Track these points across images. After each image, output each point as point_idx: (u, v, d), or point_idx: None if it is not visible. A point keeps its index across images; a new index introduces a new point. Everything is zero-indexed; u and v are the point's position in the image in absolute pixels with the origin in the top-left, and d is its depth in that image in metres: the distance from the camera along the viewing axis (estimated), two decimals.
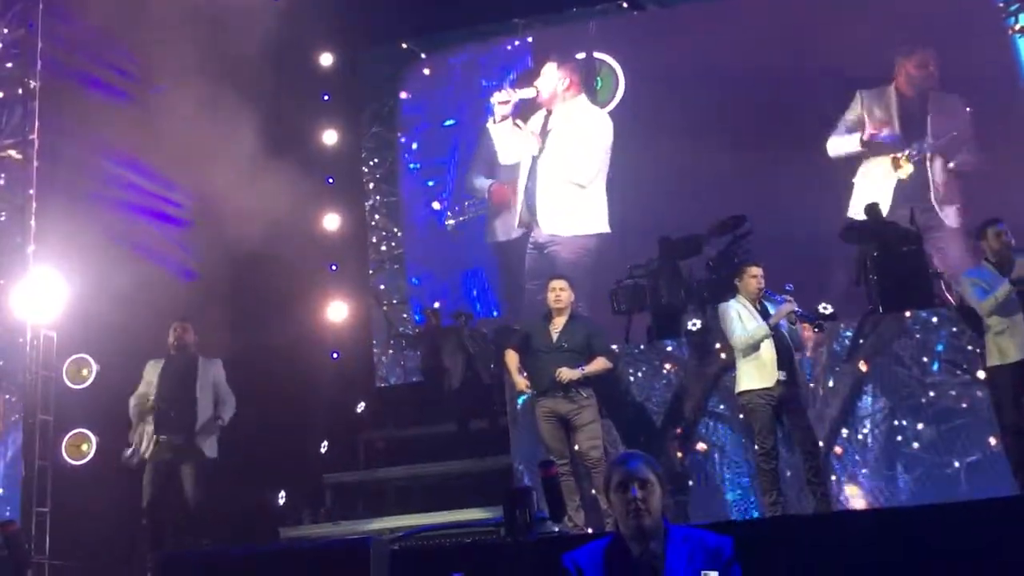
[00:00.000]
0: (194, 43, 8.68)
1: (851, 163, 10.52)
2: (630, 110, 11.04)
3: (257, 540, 7.36)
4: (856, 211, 9.73)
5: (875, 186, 10.24)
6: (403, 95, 12.37)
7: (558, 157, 10.69)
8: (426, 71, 12.31)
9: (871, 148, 10.54)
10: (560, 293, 6.55)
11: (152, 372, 6.78)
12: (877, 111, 10.55)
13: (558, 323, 6.53)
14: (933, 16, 10.36)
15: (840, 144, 10.58)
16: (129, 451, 6.56)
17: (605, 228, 10.49)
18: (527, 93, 10.69)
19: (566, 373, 6.30)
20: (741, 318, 6.28)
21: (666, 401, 7.39)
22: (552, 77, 10.99)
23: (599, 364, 6.44)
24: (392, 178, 12.25)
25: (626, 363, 7.52)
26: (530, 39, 11.84)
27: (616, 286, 8.40)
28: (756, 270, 6.39)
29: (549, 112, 10.66)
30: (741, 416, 6.45)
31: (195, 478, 6.51)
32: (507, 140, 10.94)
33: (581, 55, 11.29)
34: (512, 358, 6.62)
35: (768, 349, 6.17)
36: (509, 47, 11.93)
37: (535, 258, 10.76)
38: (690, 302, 8.24)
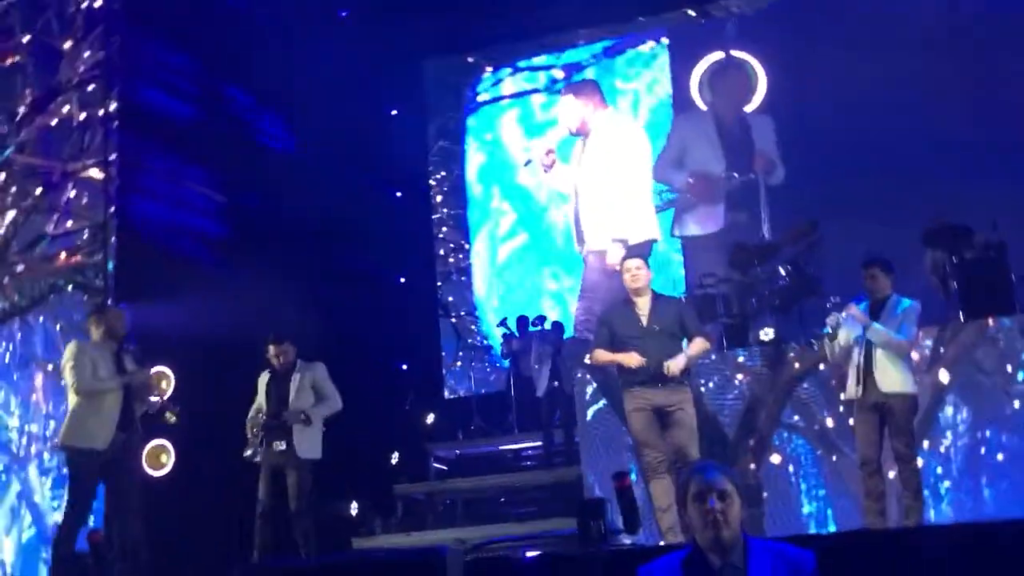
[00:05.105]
0: (266, 59, 8.89)
1: None
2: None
3: (330, 550, 7.44)
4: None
5: None
6: (471, 107, 12.44)
7: (593, 176, 10.67)
8: (493, 84, 12.37)
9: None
10: (637, 272, 6.00)
11: (262, 384, 6.92)
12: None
13: (643, 304, 6.00)
14: None
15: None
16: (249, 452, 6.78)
17: (653, 235, 10.36)
18: (561, 133, 10.72)
19: (675, 365, 5.76)
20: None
21: (739, 412, 7.26)
22: (574, 108, 10.93)
23: (700, 346, 5.97)
24: (458, 191, 12.33)
25: (698, 373, 7.42)
26: (598, 48, 11.82)
27: (687, 295, 8.32)
28: (864, 271, 6.17)
29: (585, 136, 10.56)
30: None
31: (297, 484, 6.61)
32: (561, 180, 10.96)
33: (720, 55, 11.19)
34: (604, 353, 6.04)
35: (855, 358, 6.03)
36: (593, 56, 11.91)
37: (591, 272, 10.74)
38: (761, 311, 8.12)
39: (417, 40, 11.14)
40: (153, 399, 6.52)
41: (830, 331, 6.05)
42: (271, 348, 6.85)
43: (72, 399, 6.33)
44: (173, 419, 6.53)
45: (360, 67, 10.26)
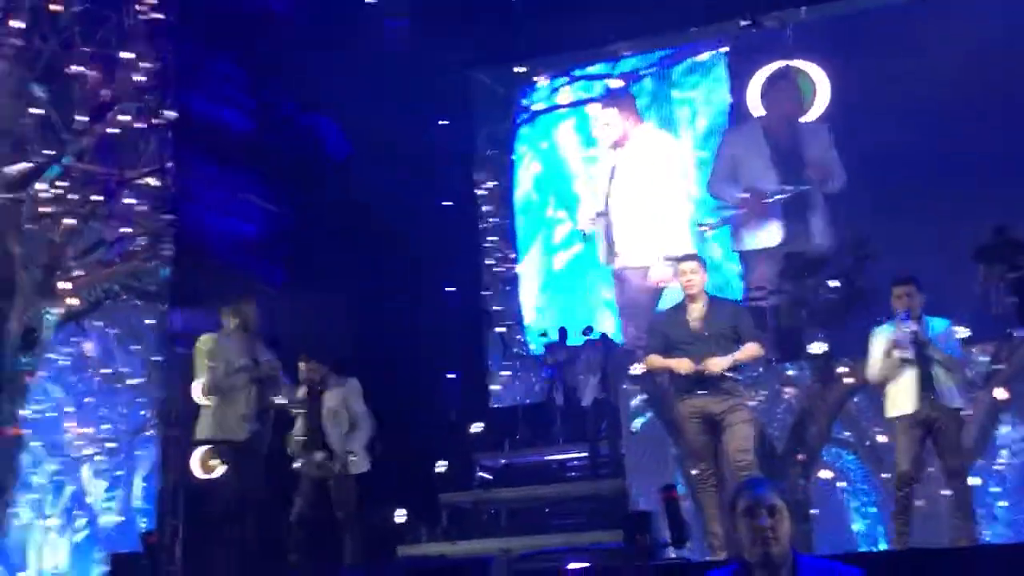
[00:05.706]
0: (318, 70, 9.01)
1: None
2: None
3: (376, 558, 7.48)
4: None
5: None
6: (526, 116, 12.47)
7: (630, 191, 10.66)
8: (549, 93, 12.39)
9: None
10: (692, 276, 5.75)
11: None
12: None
13: (696, 309, 5.76)
14: None
15: None
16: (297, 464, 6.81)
17: (688, 249, 10.15)
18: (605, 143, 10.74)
19: (715, 363, 5.55)
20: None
21: (787, 427, 7.20)
22: (615, 120, 10.86)
23: (750, 350, 5.68)
24: (507, 201, 12.35)
25: (745, 387, 7.34)
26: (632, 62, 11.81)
27: None
28: (897, 289, 6.03)
29: (620, 147, 10.51)
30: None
31: (342, 493, 6.65)
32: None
33: (777, 64, 11.14)
34: (657, 358, 5.85)
35: (909, 373, 5.93)
36: (652, 67, 11.89)
37: (622, 289, 10.70)
38: (812, 324, 8.04)
39: (467, 50, 11.20)
40: (282, 392, 6.53)
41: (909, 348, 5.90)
42: (301, 365, 6.88)
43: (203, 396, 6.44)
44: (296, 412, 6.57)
45: (410, 77, 10.34)
